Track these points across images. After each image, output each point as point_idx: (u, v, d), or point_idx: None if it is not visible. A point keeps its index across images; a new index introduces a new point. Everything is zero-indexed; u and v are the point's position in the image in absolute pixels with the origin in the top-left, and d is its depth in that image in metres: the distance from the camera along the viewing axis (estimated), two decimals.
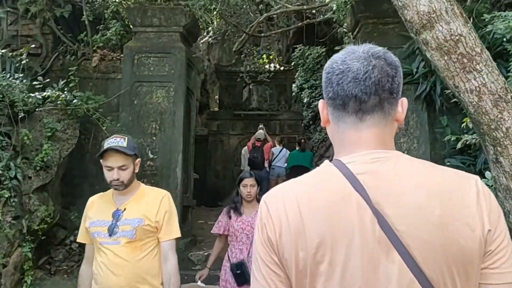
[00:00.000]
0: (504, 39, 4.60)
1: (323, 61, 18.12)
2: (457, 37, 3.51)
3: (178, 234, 2.72)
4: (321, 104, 1.18)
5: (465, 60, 3.55)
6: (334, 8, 6.54)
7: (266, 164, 10.36)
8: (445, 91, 5.96)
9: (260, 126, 11.54)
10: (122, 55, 7.14)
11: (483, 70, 3.57)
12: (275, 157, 10.73)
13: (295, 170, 9.55)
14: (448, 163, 6.25)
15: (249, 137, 15.82)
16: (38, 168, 5.68)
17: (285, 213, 1.01)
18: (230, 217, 4.07)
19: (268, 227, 1.03)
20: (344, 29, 14.34)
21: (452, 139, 5.38)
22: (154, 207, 2.64)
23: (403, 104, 1.11)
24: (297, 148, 10.19)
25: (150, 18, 7.08)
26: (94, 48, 7.24)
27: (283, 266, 1.01)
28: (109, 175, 2.54)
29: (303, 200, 1.01)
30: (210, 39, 14.41)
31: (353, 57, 1.08)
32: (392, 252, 0.93)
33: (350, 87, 1.06)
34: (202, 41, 16.32)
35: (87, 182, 7.03)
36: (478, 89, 3.59)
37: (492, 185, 4.73)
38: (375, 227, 0.95)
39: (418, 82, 6.45)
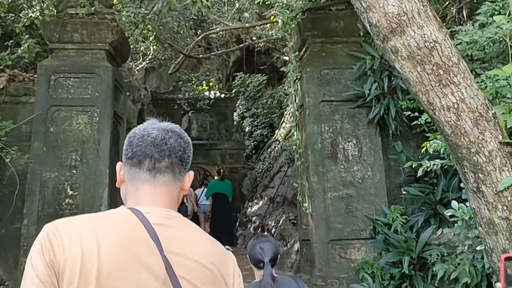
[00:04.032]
0: (467, 55, 4.21)
1: (264, 89, 17.78)
2: (431, 44, 2.96)
3: None
4: (118, 166, 1.30)
5: (441, 72, 3.01)
6: (280, 25, 5.97)
7: (185, 200, 11.27)
8: (404, 112, 5.50)
9: None
10: (36, 76, 6.12)
11: (461, 83, 3.04)
12: (199, 197, 11.87)
13: (215, 197, 10.77)
14: (405, 192, 5.76)
15: None
16: None
17: (79, 242, 1.06)
18: None
19: (57, 250, 1.06)
20: (285, 56, 14.02)
21: (413, 165, 4.87)
22: None
23: (189, 176, 1.31)
24: (216, 177, 11.27)
25: (70, 34, 6.16)
26: (2, 67, 6.15)
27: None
28: None
29: (99, 232, 1.09)
30: (146, 64, 13.50)
31: (154, 127, 1.27)
32: None
33: (147, 149, 1.23)
34: (138, 67, 15.39)
35: None
36: (456, 105, 3.04)
37: (460, 217, 4.21)
38: (162, 270, 1.10)
39: (370, 106, 5.98)
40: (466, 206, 4.08)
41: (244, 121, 17.58)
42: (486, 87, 3.72)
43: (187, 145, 1.29)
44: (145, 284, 1.07)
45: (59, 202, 5.74)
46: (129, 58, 14.14)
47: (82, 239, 1.06)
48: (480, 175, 3.11)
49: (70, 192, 5.81)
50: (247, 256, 2.91)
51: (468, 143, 3.08)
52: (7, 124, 5.52)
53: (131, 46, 10.56)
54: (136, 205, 1.19)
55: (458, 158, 3.21)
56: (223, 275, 1.19)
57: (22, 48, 6.18)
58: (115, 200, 6.38)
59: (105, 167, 5.89)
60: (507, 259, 1.51)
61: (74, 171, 5.84)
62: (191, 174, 1.31)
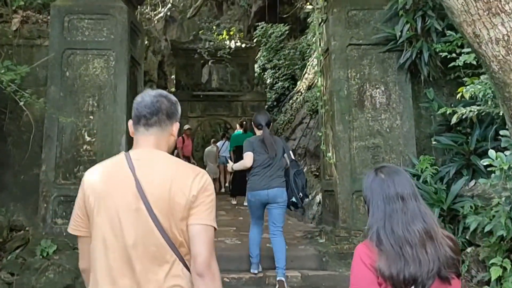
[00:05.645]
0: None
1: (286, 41, 17.13)
2: None
3: None
4: (129, 123, 1.90)
5: None
6: None
7: (175, 152, 11.69)
8: (440, 54, 5.09)
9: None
10: (49, 17, 5.87)
11: None
12: (220, 149, 12.82)
13: (238, 149, 10.32)
14: (435, 142, 5.45)
15: (209, 119, 14.75)
16: None
17: (89, 179, 1.79)
18: None
19: (82, 187, 1.80)
20: (309, 5, 13.31)
21: (447, 112, 4.53)
22: None
23: (176, 126, 1.88)
24: (239, 130, 10.92)
25: None
26: (14, 8, 5.91)
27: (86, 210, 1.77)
28: None
29: (100, 171, 1.80)
30: (165, 13, 13.10)
31: (147, 94, 1.84)
32: (140, 202, 1.66)
33: (142, 110, 1.80)
34: (157, 17, 14.98)
35: (10, 172, 5.78)
36: (506, 38, 2.68)
37: (499, 166, 3.91)
38: (134, 187, 1.68)
39: (401, 49, 5.58)
40: (505, 156, 3.76)
41: (265, 73, 17.12)
42: None
43: (171, 104, 1.85)
44: (124, 196, 1.68)
45: (77, 148, 5.64)
46: (148, 7, 13.74)
47: (90, 177, 1.79)
48: None
49: (88, 139, 5.69)
50: (252, 122, 5.19)
51: None
52: (22, 69, 5.32)
53: None
54: (135, 148, 1.82)
55: (505, 98, 2.88)
56: (182, 187, 1.69)
57: None
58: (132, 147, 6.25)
59: (122, 113, 5.71)
60: None
61: (92, 117, 5.69)
62: (177, 124, 1.89)
